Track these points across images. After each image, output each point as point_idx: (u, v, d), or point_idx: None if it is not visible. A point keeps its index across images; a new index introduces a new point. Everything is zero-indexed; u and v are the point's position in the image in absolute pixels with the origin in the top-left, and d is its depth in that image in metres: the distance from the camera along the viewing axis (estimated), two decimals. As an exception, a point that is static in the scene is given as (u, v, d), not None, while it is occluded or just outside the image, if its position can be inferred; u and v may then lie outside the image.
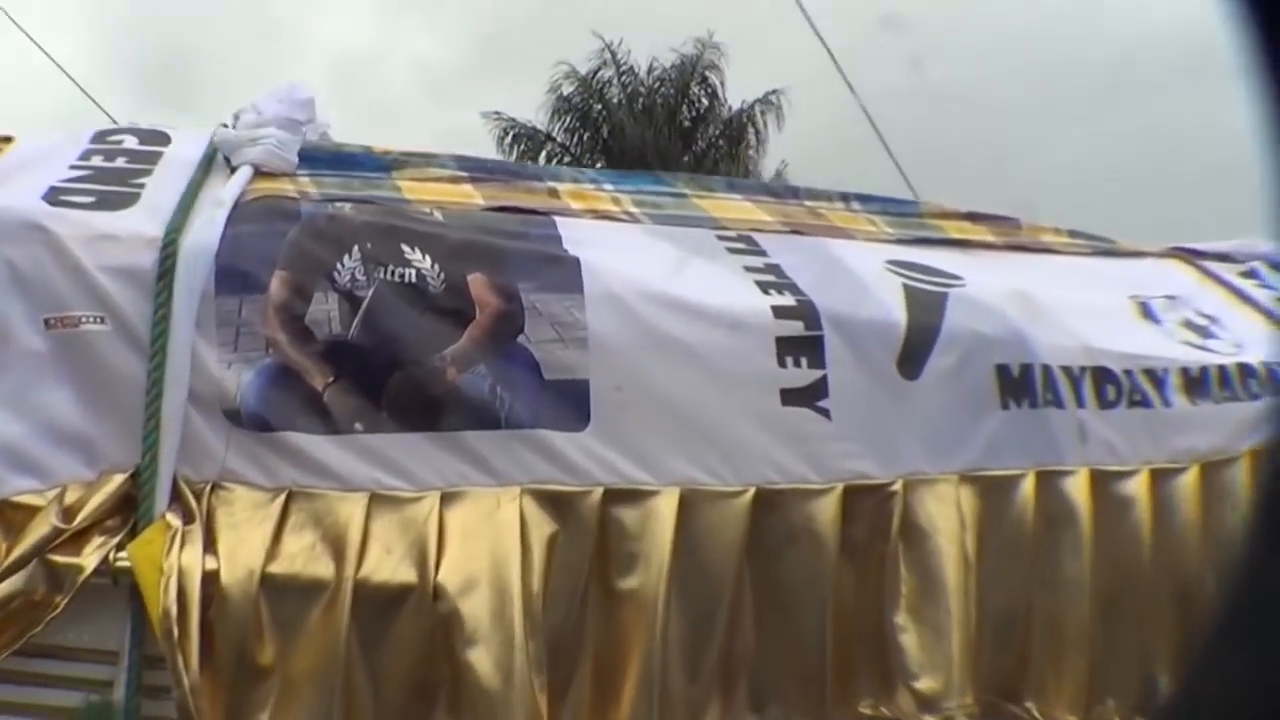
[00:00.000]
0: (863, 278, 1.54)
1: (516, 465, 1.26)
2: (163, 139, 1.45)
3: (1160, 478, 1.51)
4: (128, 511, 1.20)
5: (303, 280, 1.18)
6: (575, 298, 1.28)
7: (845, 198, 1.86)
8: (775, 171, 10.06)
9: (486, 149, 10.11)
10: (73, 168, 1.41)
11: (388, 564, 1.19)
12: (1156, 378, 1.56)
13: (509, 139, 10.78)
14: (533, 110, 11.08)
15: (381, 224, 1.26)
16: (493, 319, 1.21)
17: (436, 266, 1.21)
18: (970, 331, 1.51)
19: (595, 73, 10.97)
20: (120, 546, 1.18)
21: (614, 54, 10.88)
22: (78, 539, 1.16)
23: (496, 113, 10.96)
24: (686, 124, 11.03)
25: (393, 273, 1.20)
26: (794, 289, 1.43)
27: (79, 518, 1.15)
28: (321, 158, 1.48)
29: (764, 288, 1.43)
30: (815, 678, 1.34)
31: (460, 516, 1.22)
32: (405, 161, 1.53)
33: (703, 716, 1.29)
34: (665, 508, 1.26)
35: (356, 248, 1.21)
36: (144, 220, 1.26)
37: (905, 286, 1.54)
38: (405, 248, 1.22)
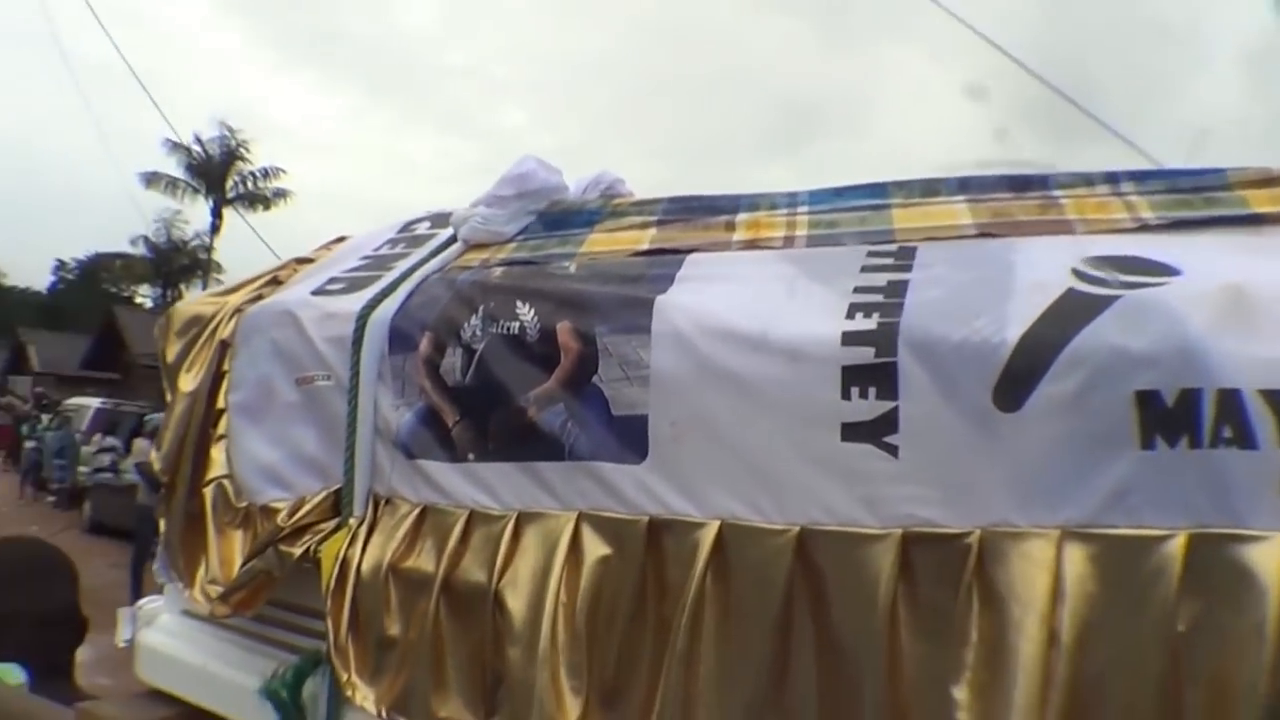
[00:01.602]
0: (1009, 287, 1.43)
1: (577, 493, 1.53)
2: (445, 221, 1.87)
3: None
4: (337, 516, 1.76)
5: (441, 338, 1.59)
6: (642, 338, 1.51)
7: (1114, 179, 1.66)
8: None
9: None
10: (362, 259, 2.05)
11: (470, 568, 1.57)
12: None
13: None
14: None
15: (507, 284, 1.66)
16: (573, 362, 1.50)
17: (536, 318, 1.53)
18: (1108, 348, 1.30)
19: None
20: (321, 542, 1.72)
21: None
22: (296, 534, 1.74)
23: None
24: None
25: (503, 326, 1.56)
26: (889, 310, 1.42)
27: (299, 516, 1.75)
28: (548, 220, 1.81)
29: (854, 311, 1.43)
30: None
31: (527, 534, 1.56)
32: (614, 212, 1.77)
33: None
34: (704, 540, 1.40)
35: (481, 307, 1.60)
36: (359, 300, 1.83)
37: (1067, 292, 1.38)
38: (518, 303, 1.55)
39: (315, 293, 1.89)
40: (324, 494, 1.73)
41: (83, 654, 2.18)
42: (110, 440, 17.54)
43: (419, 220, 2.16)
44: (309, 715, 1.68)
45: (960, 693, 1.27)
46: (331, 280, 1.92)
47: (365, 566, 1.62)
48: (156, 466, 1.99)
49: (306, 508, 1.73)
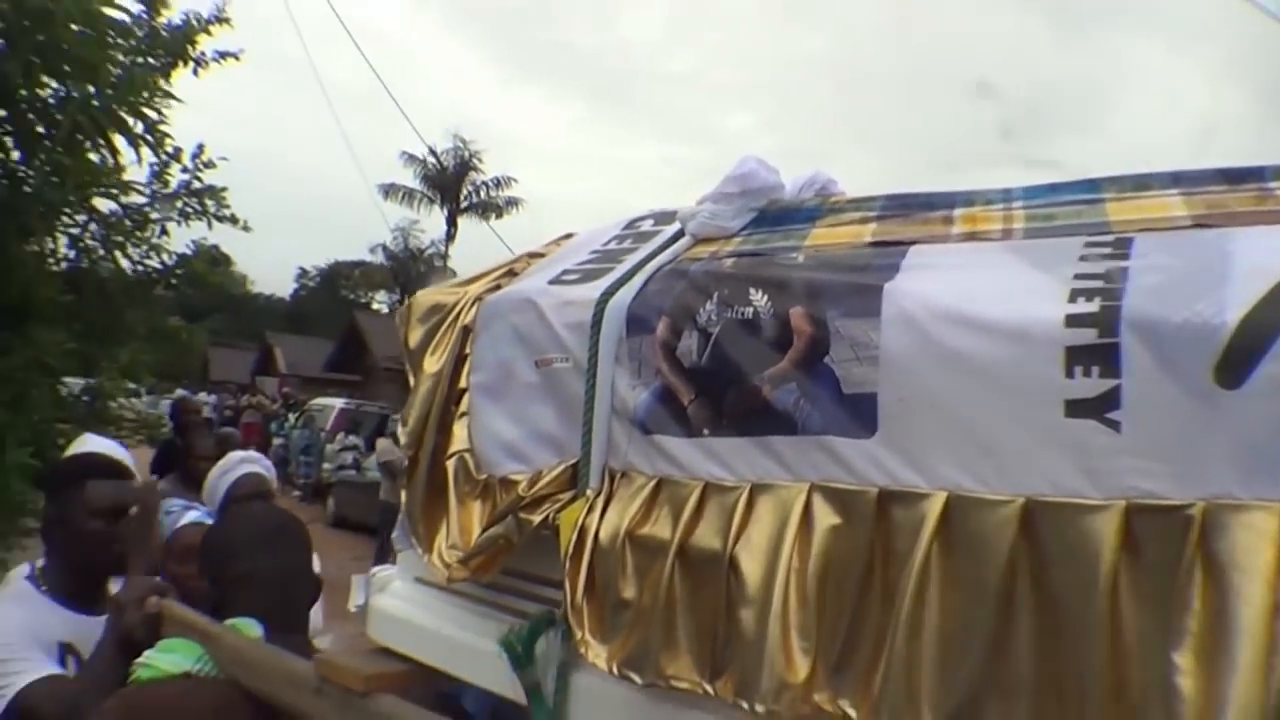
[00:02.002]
0: (1227, 273, 1.51)
1: (809, 465, 1.68)
2: (668, 218, 2.06)
3: None
4: (573, 488, 1.95)
5: (678, 322, 1.75)
6: (873, 321, 1.65)
7: None
8: None
9: None
10: (592, 252, 2.27)
11: (704, 536, 1.74)
12: None
13: None
14: None
15: (739, 273, 1.79)
16: (805, 344, 1.62)
17: (769, 303, 1.66)
18: None
19: None
20: (559, 511, 1.92)
21: None
22: (535, 503, 1.95)
23: None
24: None
25: (738, 311, 1.70)
26: (1110, 294, 1.52)
27: (536, 488, 1.96)
28: (769, 216, 1.96)
29: (1075, 295, 1.54)
30: (1078, 702, 1.42)
31: (760, 504, 1.73)
32: (833, 209, 1.91)
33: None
34: (931, 510, 1.53)
35: (716, 294, 1.75)
36: (596, 289, 2.03)
37: None
38: (751, 290, 1.70)
39: (551, 282, 2.07)
40: (561, 467, 1.92)
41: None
42: (352, 439, 18.86)
43: (643, 218, 2.34)
44: (539, 669, 1.85)
45: (1182, 658, 1.36)
46: (565, 272, 2.11)
47: (603, 533, 1.80)
48: (402, 441, 2.20)
49: (544, 479, 1.92)
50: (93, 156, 5.55)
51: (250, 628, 2.29)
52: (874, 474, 1.58)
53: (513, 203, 43.02)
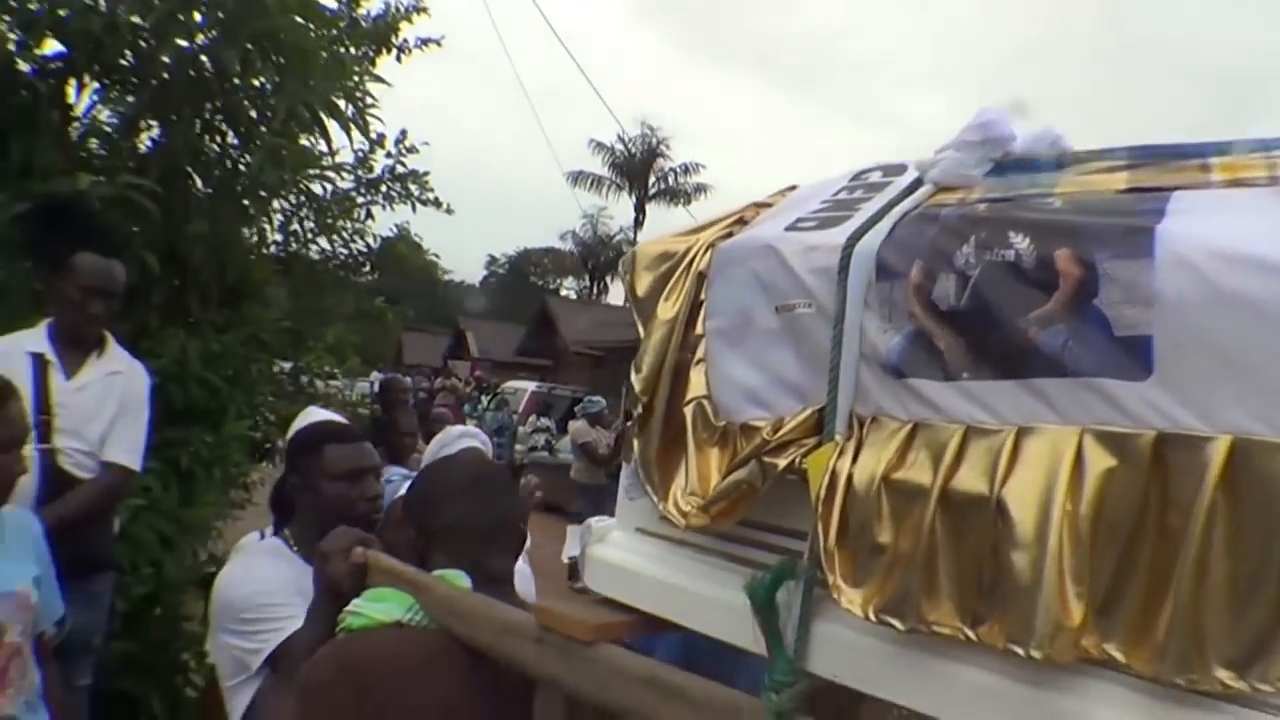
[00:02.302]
0: None
1: (1079, 407, 1.67)
2: (899, 170, 2.07)
3: None
4: (819, 432, 1.94)
5: (932, 266, 1.75)
6: (1146, 262, 1.63)
7: None
8: None
9: None
10: (822, 202, 2.26)
11: (967, 480, 1.69)
12: None
13: None
14: None
15: (996, 217, 1.77)
16: (1073, 286, 1.61)
17: (1031, 246, 1.64)
18: None
19: None
20: (805, 455, 1.92)
21: None
22: (779, 448, 1.95)
23: None
24: None
25: (997, 254, 1.68)
26: None
27: (781, 433, 1.97)
28: (1010, 165, 1.94)
29: None
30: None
31: (1028, 447, 1.70)
32: (1077, 159, 1.88)
33: (1245, 669, 1.42)
34: (1215, 455, 1.51)
35: (972, 237, 1.74)
36: (840, 234, 2.02)
37: None
38: (1010, 234, 1.69)
39: (788, 230, 2.07)
40: (807, 412, 1.93)
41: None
42: (544, 421, 19.63)
43: (869, 170, 2.34)
44: (781, 616, 1.86)
45: None
46: (799, 220, 2.12)
47: (856, 478, 1.81)
48: (636, 388, 2.22)
49: (788, 425, 1.94)
50: (304, 142, 5.85)
51: (458, 578, 2.35)
52: (1151, 417, 1.57)
53: (700, 189, 43.39)
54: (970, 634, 1.65)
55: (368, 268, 6.82)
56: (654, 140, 43.15)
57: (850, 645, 1.82)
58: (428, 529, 2.54)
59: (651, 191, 43.82)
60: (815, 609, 1.87)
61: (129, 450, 4.50)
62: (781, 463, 1.93)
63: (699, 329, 2.21)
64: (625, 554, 2.34)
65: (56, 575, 3.44)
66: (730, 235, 2.27)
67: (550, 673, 2.10)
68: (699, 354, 2.20)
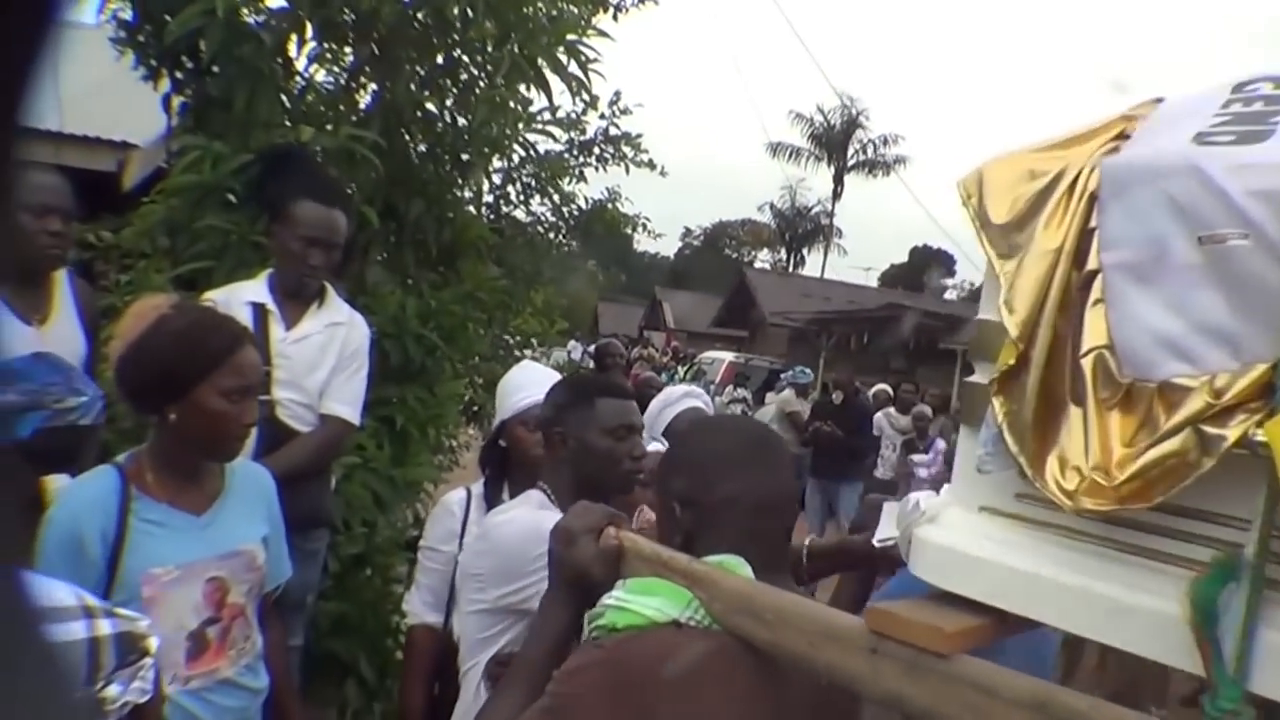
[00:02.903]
0: None
1: None
2: None
3: None
4: (1268, 397, 1.48)
5: None
6: None
7: None
8: None
9: None
10: (1215, 115, 1.77)
11: None
12: None
13: None
14: None
15: None
16: None
17: None
18: None
19: None
20: (1259, 424, 1.45)
21: None
22: (1223, 415, 1.51)
23: None
24: None
25: None
26: None
27: (1225, 397, 1.51)
28: None
29: None
30: None
31: None
32: None
33: None
34: None
35: None
36: (1276, 150, 1.56)
37: None
38: None
39: (1197, 143, 1.67)
40: (1258, 370, 1.51)
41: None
42: (741, 392, 19.82)
43: (1253, 81, 1.90)
44: (1220, 626, 1.46)
45: None
46: (1201, 134, 1.70)
47: None
48: (1013, 333, 1.81)
49: (1236, 386, 1.51)
50: (525, 95, 5.72)
51: (739, 566, 1.95)
52: None
53: (900, 160, 42.60)
54: None
55: (582, 232, 6.66)
56: (853, 110, 42.43)
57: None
58: (698, 503, 2.09)
59: (851, 163, 43.06)
60: (1265, 615, 1.44)
61: (349, 403, 4.33)
62: (1231, 433, 1.48)
63: (1093, 262, 1.76)
64: (971, 538, 1.90)
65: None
66: (1115, 150, 1.83)
67: (890, 691, 1.65)
68: (1094, 293, 1.75)
